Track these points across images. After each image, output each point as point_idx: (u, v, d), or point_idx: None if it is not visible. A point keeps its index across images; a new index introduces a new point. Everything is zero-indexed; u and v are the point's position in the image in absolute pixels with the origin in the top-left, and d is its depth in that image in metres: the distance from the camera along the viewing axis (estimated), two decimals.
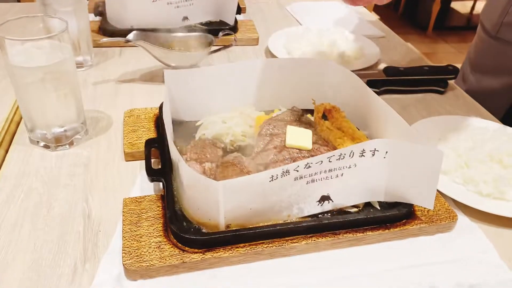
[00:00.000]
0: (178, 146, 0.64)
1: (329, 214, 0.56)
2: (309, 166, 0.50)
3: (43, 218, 0.57)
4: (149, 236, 0.53)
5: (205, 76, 0.70)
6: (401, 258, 0.54)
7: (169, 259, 0.50)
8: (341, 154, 0.51)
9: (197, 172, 0.54)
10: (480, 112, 0.87)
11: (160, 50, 0.85)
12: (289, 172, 0.50)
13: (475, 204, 0.61)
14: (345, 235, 0.54)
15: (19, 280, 0.49)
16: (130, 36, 0.85)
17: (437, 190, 0.61)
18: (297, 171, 0.50)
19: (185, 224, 0.53)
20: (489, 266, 0.54)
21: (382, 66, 0.94)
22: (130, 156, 0.67)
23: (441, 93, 0.92)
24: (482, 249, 0.56)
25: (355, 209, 0.57)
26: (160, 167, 0.61)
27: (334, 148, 0.62)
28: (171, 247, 0.51)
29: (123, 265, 0.49)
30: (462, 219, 0.60)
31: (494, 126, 0.78)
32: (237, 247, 0.52)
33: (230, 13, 1.06)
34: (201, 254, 0.51)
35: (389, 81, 0.89)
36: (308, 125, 0.66)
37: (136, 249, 0.51)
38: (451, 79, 0.93)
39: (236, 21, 1.10)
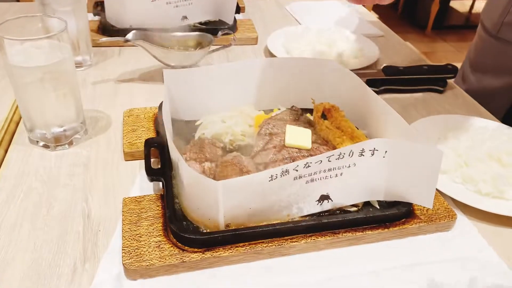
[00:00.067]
0: (178, 145, 0.64)
1: (328, 214, 0.56)
2: (309, 166, 0.51)
3: (43, 218, 0.57)
4: (149, 236, 0.53)
5: (204, 75, 0.70)
6: (400, 257, 0.55)
7: (169, 258, 0.50)
8: (340, 153, 0.51)
9: (196, 172, 0.55)
10: (479, 111, 0.87)
11: (159, 50, 0.85)
12: (288, 172, 0.50)
13: (474, 203, 0.61)
14: (345, 234, 0.55)
15: (19, 280, 0.49)
16: (129, 35, 0.84)
17: (436, 189, 0.61)
18: (297, 170, 0.50)
19: (184, 223, 0.53)
20: (488, 265, 0.54)
21: (381, 65, 0.94)
22: (129, 156, 0.67)
23: (440, 92, 0.92)
24: (481, 248, 0.56)
25: (354, 208, 0.58)
26: (159, 166, 0.61)
27: (334, 148, 0.62)
28: (171, 246, 0.51)
29: (123, 264, 0.49)
30: (461, 218, 0.61)
31: (493, 125, 0.78)
32: (237, 247, 0.52)
33: (229, 12, 1.06)
34: (200, 253, 0.51)
35: (388, 80, 0.89)
36: (308, 124, 0.67)
37: (136, 249, 0.51)
38: (450, 78, 0.93)
39: (235, 20, 1.10)
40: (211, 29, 1.04)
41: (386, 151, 0.53)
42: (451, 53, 3.38)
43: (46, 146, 0.68)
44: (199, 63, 0.91)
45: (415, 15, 3.82)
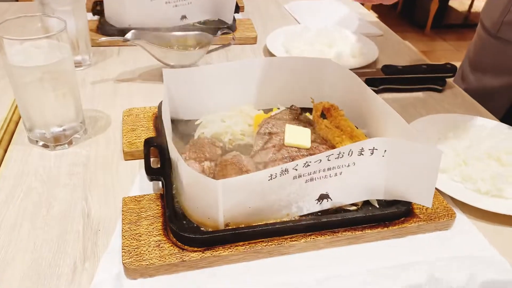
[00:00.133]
0: (177, 145, 0.64)
1: (327, 213, 0.56)
2: (308, 165, 0.51)
3: (43, 217, 0.57)
4: (149, 235, 0.53)
5: (203, 75, 0.70)
6: (399, 256, 0.55)
7: (169, 257, 0.50)
8: (339, 152, 0.51)
9: (196, 171, 0.55)
10: (478, 110, 0.87)
11: (158, 49, 0.85)
12: (288, 171, 0.50)
13: (474, 202, 0.61)
14: (344, 233, 0.55)
15: (19, 280, 0.49)
16: (129, 35, 0.85)
17: (436, 188, 0.61)
18: (296, 169, 0.50)
19: (184, 222, 0.53)
20: (489, 262, 0.54)
21: (380, 64, 0.94)
22: (129, 155, 0.67)
23: (439, 91, 0.92)
24: (481, 246, 0.57)
25: (354, 208, 0.58)
26: (159, 166, 0.61)
27: (333, 147, 0.62)
28: (171, 245, 0.52)
29: (123, 264, 0.49)
30: (461, 217, 0.61)
31: (492, 124, 0.78)
32: (236, 246, 0.52)
33: (228, 12, 1.06)
34: (200, 252, 0.51)
35: (387, 79, 0.90)
36: (307, 123, 0.67)
37: (136, 248, 0.51)
38: (449, 77, 0.93)
39: (234, 20, 1.10)
40: (210, 28, 1.04)
41: (385, 150, 0.53)
42: (450, 52, 3.38)
43: (45, 146, 0.68)
44: (198, 63, 0.91)
45: (414, 14, 3.82)
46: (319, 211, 0.56)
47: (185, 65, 0.87)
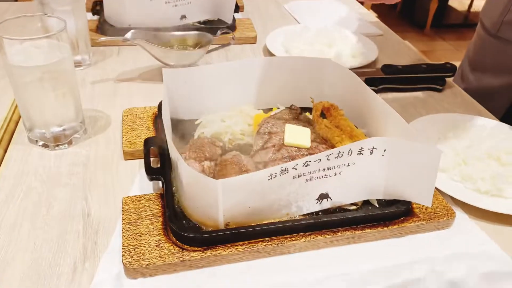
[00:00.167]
0: (177, 144, 0.64)
1: (327, 212, 0.56)
2: (308, 164, 0.51)
3: (43, 217, 0.57)
4: (149, 235, 0.53)
5: (203, 74, 0.70)
6: (399, 255, 0.55)
7: (169, 257, 0.50)
8: (339, 152, 0.51)
9: (196, 171, 0.55)
10: (478, 110, 0.87)
11: (158, 49, 0.85)
12: (287, 171, 0.50)
13: (473, 202, 0.61)
14: (344, 232, 0.55)
15: (19, 280, 0.49)
16: (128, 35, 0.85)
17: (435, 188, 0.61)
18: (296, 169, 0.50)
19: (184, 222, 0.53)
20: (488, 256, 0.54)
21: (380, 64, 0.94)
22: (129, 155, 0.67)
23: (439, 91, 0.92)
24: (482, 242, 0.57)
25: (353, 207, 0.58)
26: (159, 166, 0.61)
27: (333, 146, 0.62)
28: (171, 245, 0.52)
29: (123, 263, 0.49)
30: (460, 216, 0.61)
31: (492, 123, 0.78)
32: (236, 245, 0.52)
33: (228, 11, 1.06)
34: (200, 252, 0.51)
35: (387, 79, 0.90)
36: (307, 123, 0.67)
37: (136, 248, 0.51)
38: (449, 76, 0.93)
39: (234, 19, 1.10)
40: (210, 28, 1.04)
41: (385, 150, 0.53)
42: (450, 51, 3.38)
43: (45, 146, 0.68)
44: (198, 62, 0.91)
45: (414, 14, 3.82)
46: (319, 211, 0.56)
47: (185, 65, 0.87)
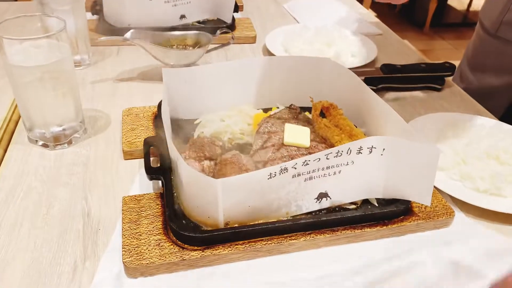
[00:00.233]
0: (177, 144, 0.64)
1: (327, 211, 0.56)
2: (307, 164, 0.51)
3: (43, 217, 0.57)
4: (149, 234, 0.53)
5: (203, 74, 0.70)
6: (398, 254, 0.55)
7: (169, 256, 0.50)
8: (338, 151, 0.51)
9: (196, 170, 0.55)
10: (477, 109, 0.87)
11: (158, 49, 0.85)
12: (287, 170, 0.50)
13: (472, 200, 0.61)
14: (343, 231, 0.55)
15: (19, 279, 0.49)
16: (128, 34, 0.85)
17: (434, 187, 0.61)
18: (295, 168, 0.51)
19: (184, 221, 0.53)
20: (488, 237, 0.55)
21: (379, 63, 0.94)
22: (129, 155, 0.67)
23: (438, 90, 0.92)
24: (480, 242, 0.57)
25: (353, 206, 0.58)
26: (159, 165, 0.61)
27: (332, 146, 0.62)
28: (171, 244, 0.52)
29: (123, 263, 0.50)
30: (459, 215, 0.61)
31: (490, 123, 0.78)
32: (236, 244, 0.52)
33: (228, 11, 1.07)
34: (200, 251, 0.51)
35: (386, 78, 0.90)
36: (306, 122, 0.67)
37: (136, 247, 0.51)
38: (448, 76, 0.93)
39: (233, 19, 1.10)
40: (210, 28, 1.04)
41: (384, 149, 0.53)
42: (449, 51, 3.38)
43: (45, 146, 0.68)
44: (197, 62, 0.91)
45: (413, 13, 3.82)
46: (318, 210, 0.56)
47: (185, 64, 0.87)
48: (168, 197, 0.55)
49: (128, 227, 0.54)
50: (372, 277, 0.52)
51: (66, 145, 0.69)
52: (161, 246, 0.51)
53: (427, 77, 0.92)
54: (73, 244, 0.53)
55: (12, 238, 0.54)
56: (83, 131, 0.71)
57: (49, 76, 0.63)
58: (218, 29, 0.96)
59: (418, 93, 0.91)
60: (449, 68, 0.92)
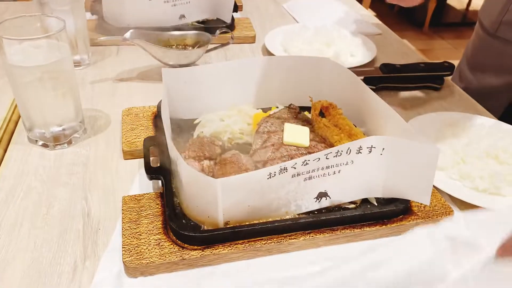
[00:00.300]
0: (177, 144, 0.64)
1: (326, 211, 0.57)
2: (307, 163, 0.51)
3: (43, 217, 0.57)
4: (149, 234, 0.53)
5: (202, 74, 0.70)
6: (398, 254, 0.55)
7: (169, 256, 0.50)
8: (338, 151, 0.52)
9: (195, 170, 0.55)
10: (476, 109, 0.87)
11: (157, 49, 0.85)
12: (286, 169, 0.50)
13: (472, 200, 0.61)
14: (343, 231, 0.55)
15: (19, 279, 0.49)
16: (127, 34, 0.85)
17: (434, 186, 0.61)
18: (295, 168, 0.51)
19: (184, 221, 0.54)
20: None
21: (378, 63, 0.94)
22: (128, 155, 0.67)
23: (437, 89, 0.92)
24: (480, 241, 0.57)
25: (352, 205, 0.58)
26: (158, 165, 0.61)
27: (331, 145, 0.62)
28: (171, 244, 0.52)
29: (123, 262, 0.50)
30: (459, 214, 0.61)
31: (490, 122, 0.78)
32: (236, 244, 0.52)
33: (227, 11, 1.07)
34: (200, 251, 0.51)
35: (385, 78, 0.90)
36: (306, 122, 0.67)
37: (136, 247, 0.51)
38: (447, 75, 0.93)
39: (233, 19, 1.10)
40: (209, 27, 1.04)
41: (383, 149, 0.53)
42: (449, 50, 3.38)
43: (45, 145, 0.68)
44: (197, 62, 0.91)
45: (412, 12, 3.82)
46: (317, 209, 0.56)
47: (184, 64, 0.87)
48: (168, 197, 0.55)
49: (128, 226, 0.54)
50: (371, 276, 0.52)
51: (66, 145, 0.69)
52: (161, 245, 0.52)
53: (426, 77, 0.92)
54: (73, 244, 0.54)
55: (12, 238, 0.54)
56: (83, 131, 0.71)
57: (48, 76, 0.63)
58: (218, 29, 0.96)
59: (417, 93, 0.91)
60: (448, 67, 0.92)
